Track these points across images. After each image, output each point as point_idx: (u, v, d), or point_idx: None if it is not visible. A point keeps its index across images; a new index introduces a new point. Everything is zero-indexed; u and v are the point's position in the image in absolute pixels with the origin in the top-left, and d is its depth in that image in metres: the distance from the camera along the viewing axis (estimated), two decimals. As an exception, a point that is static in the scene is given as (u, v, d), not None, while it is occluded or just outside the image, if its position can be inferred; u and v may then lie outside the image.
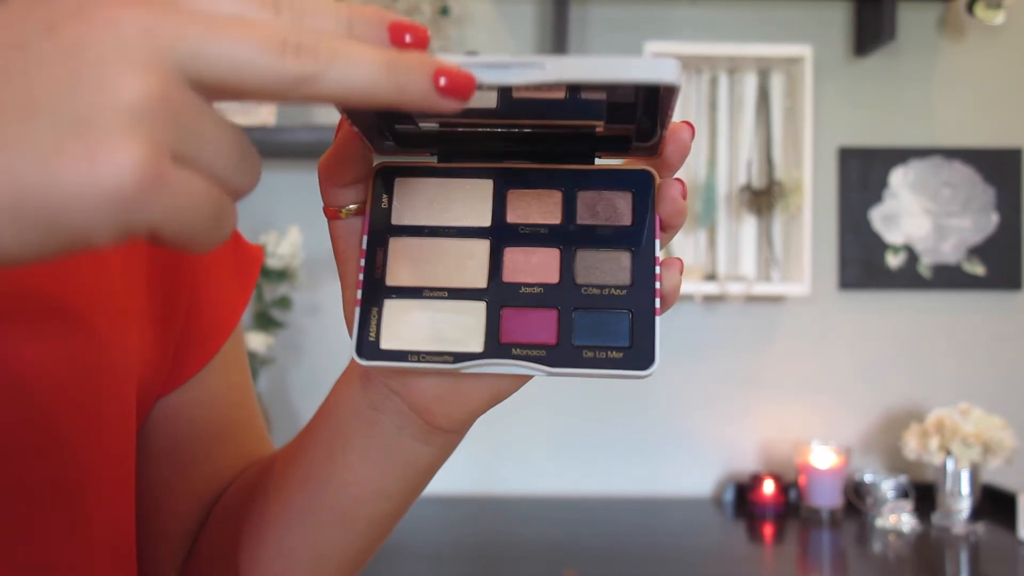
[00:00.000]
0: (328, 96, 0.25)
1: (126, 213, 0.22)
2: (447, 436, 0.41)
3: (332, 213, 0.38)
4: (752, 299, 1.82)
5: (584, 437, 1.83)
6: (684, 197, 0.36)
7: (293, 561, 0.44)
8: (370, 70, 0.25)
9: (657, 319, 0.35)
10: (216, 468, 0.51)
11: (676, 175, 0.37)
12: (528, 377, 0.37)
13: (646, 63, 0.29)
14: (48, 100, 0.22)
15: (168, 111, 0.23)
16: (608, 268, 0.36)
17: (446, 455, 0.42)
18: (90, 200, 0.22)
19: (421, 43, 0.27)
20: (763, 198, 1.78)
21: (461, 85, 0.26)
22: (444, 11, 1.76)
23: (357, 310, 0.36)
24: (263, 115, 1.63)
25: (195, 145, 0.24)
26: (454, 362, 0.35)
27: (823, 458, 1.67)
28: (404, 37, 0.27)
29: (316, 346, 1.82)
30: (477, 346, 0.36)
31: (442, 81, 0.26)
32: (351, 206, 0.38)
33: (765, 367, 1.84)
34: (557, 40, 1.70)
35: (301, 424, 0.42)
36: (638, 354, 0.35)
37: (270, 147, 1.66)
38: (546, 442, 1.83)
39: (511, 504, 1.76)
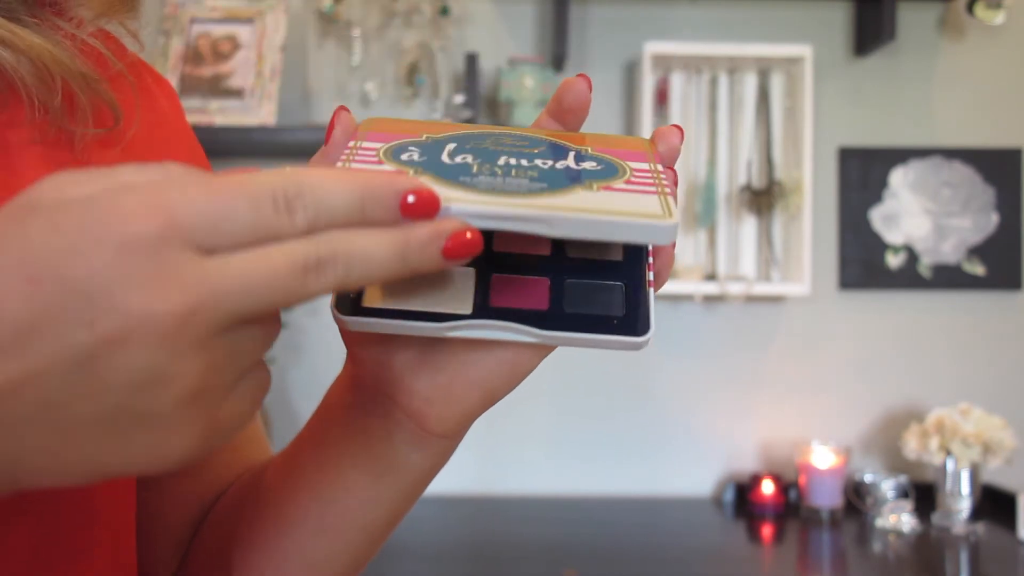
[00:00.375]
0: (351, 289, 0.28)
1: (187, 464, 0.26)
2: (441, 442, 0.40)
3: None
4: (752, 299, 1.82)
5: (584, 437, 1.83)
6: (681, 139, 0.38)
7: (285, 568, 0.44)
8: (385, 262, 0.28)
9: (651, 291, 0.35)
10: (214, 472, 0.51)
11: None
12: (521, 370, 0.37)
13: (649, 228, 0.31)
14: (112, 403, 0.24)
15: (217, 376, 0.26)
16: (600, 244, 0.36)
17: (441, 462, 0.41)
18: (158, 471, 0.26)
19: (429, 210, 0.29)
20: (763, 198, 1.78)
21: (466, 250, 0.29)
22: (444, 11, 1.76)
23: None
24: (263, 115, 1.63)
25: (239, 372, 0.27)
26: (439, 322, 0.34)
27: (823, 458, 1.67)
28: (409, 201, 0.28)
29: (316, 346, 1.82)
30: (465, 309, 0.34)
31: (448, 245, 0.29)
32: None
33: (765, 367, 1.84)
34: (557, 40, 1.70)
35: (301, 424, 0.42)
36: (632, 322, 0.34)
37: (270, 147, 1.66)
38: (546, 442, 1.83)
39: (511, 504, 1.76)
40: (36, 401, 0.24)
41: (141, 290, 0.24)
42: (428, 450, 0.40)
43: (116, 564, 0.42)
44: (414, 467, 0.41)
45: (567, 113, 0.39)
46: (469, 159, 0.34)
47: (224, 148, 1.65)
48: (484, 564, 1.43)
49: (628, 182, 0.34)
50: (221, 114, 1.63)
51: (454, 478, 1.80)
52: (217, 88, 1.66)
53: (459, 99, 1.70)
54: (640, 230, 0.31)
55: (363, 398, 0.40)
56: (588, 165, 0.35)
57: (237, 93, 1.65)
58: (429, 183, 0.30)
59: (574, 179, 0.34)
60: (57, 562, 0.38)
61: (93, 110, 0.41)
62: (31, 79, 0.37)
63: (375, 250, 0.27)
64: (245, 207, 0.26)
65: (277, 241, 0.26)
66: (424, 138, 0.36)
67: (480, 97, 1.76)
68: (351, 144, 0.35)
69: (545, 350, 0.36)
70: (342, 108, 0.36)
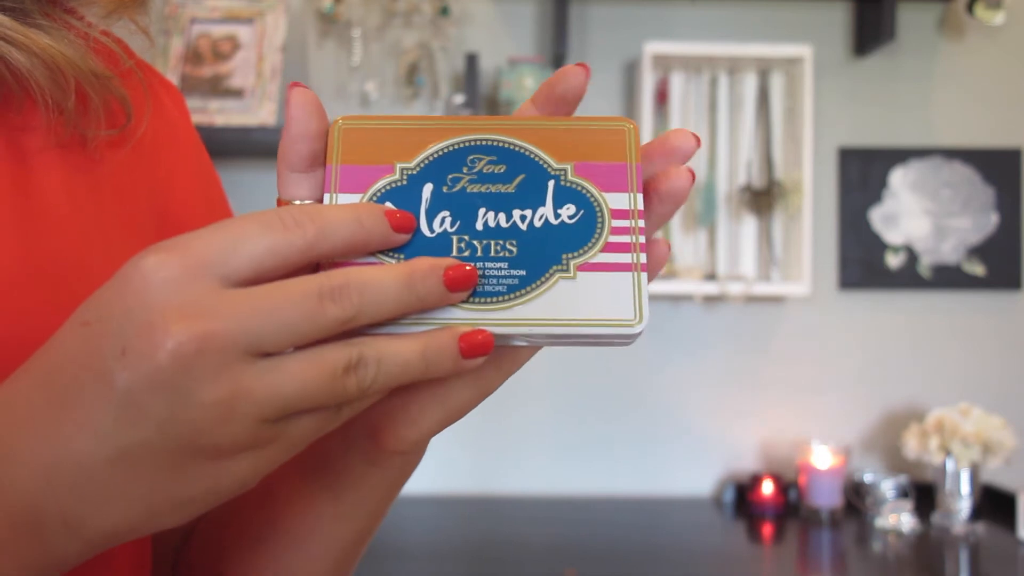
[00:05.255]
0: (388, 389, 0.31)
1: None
2: (401, 458, 0.38)
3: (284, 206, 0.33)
4: (752, 299, 1.82)
5: (584, 437, 1.83)
6: (691, 183, 0.36)
7: None
8: (415, 362, 0.30)
9: (644, 276, 0.34)
10: None
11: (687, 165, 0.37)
12: (486, 387, 0.36)
13: (618, 336, 0.33)
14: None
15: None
16: None
17: (403, 478, 0.40)
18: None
19: (464, 283, 0.32)
20: (763, 198, 1.78)
21: (480, 350, 0.32)
22: (444, 11, 1.76)
23: None
24: (263, 115, 1.63)
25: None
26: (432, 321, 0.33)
27: (823, 458, 1.67)
28: (454, 287, 0.32)
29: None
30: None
31: (463, 346, 0.32)
32: (307, 200, 0.34)
33: (765, 367, 1.84)
34: (557, 40, 1.70)
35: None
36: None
37: (270, 147, 1.66)
38: (546, 442, 1.83)
39: (511, 504, 1.76)
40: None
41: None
42: (388, 467, 0.39)
43: (132, 569, 0.42)
44: (375, 483, 0.40)
45: (559, 102, 0.36)
46: (448, 223, 0.34)
47: (224, 148, 1.65)
48: (484, 564, 1.43)
49: (606, 248, 0.34)
50: (221, 114, 1.63)
51: (454, 478, 1.80)
52: (217, 88, 1.66)
53: (459, 99, 1.70)
54: (610, 338, 0.34)
55: None
56: (567, 214, 0.35)
57: (237, 93, 1.65)
58: None
59: (553, 258, 0.34)
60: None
61: (105, 109, 0.41)
62: (45, 82, 0.37)
63: (410, 356, 0.30)
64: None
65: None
66: (399, 175, 0.34)
67: (480, 97, 1.76)
68: (327, 197, 0.33)
69: (510, 370, 0.36)
70: (294, 84, 0.33)
